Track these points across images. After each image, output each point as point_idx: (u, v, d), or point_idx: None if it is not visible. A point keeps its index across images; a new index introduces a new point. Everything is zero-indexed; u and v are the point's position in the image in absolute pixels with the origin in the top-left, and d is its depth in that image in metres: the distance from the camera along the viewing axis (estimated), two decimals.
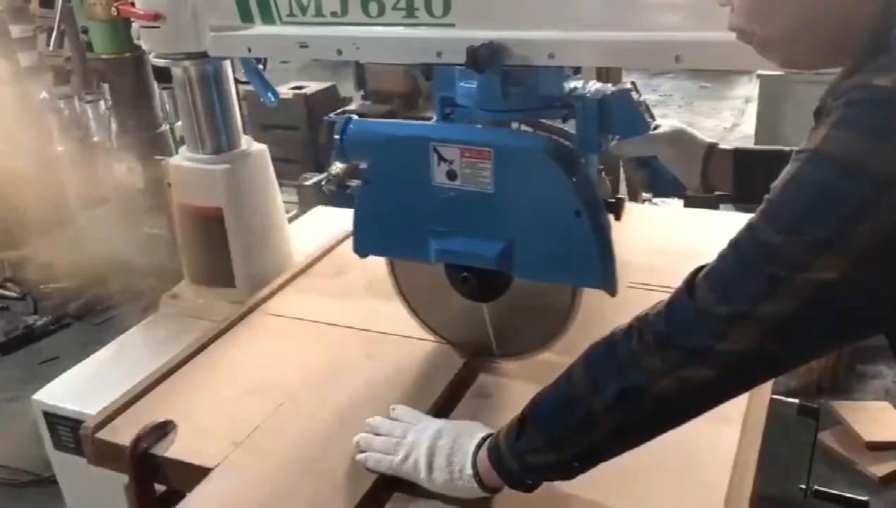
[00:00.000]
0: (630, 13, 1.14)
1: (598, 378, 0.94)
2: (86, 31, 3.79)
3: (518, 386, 1.35)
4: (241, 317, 1.59)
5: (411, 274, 1.42)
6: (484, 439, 1.08)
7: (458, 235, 1.26)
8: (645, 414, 0.93)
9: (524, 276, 1.28)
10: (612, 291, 1.24)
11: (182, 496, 1.25)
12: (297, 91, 5.05)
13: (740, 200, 1.38)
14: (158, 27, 1.47)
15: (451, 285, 1.34)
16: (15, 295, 3.98)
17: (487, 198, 1.21)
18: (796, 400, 1.45)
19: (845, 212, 0.74)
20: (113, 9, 1.49)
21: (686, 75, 7.13)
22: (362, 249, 1.36)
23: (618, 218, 1.29)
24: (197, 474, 1.19)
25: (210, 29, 1.43)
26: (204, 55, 1.49)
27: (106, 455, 1.28)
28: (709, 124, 6.24)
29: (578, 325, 1.50)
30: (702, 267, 0.88)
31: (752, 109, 5.25)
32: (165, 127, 3.84)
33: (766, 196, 0.82)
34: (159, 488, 1.27)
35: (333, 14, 1.30)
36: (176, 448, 1.24)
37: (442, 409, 1.29)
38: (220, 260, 1.77)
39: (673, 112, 6.57)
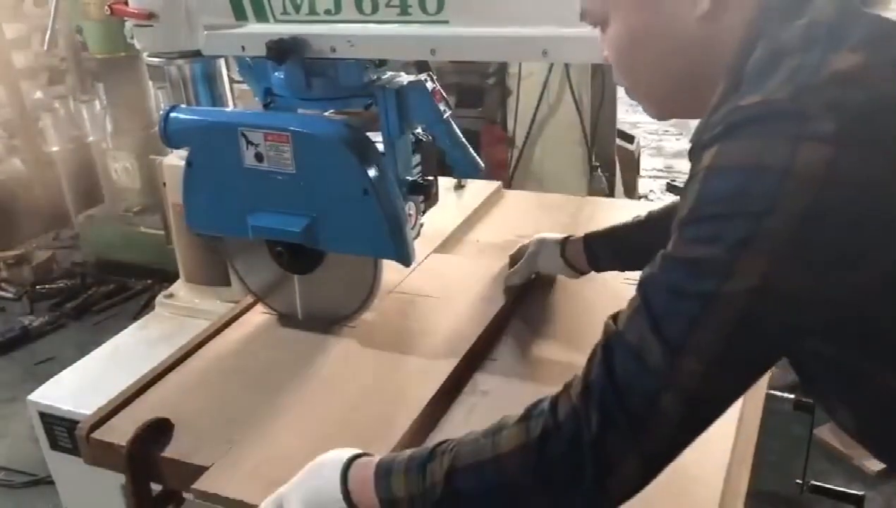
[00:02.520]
0: None
1: (553, 482, 0.83)
2: (80, 31, 3.78)
3: (515, 383, 1.35)
4: (237, 316, 1.59)
5: (239, 247, 1.55)
6: (347, 462, 0.96)
7: (270, 212, 1.39)
8: (623, 490, 0.84)
9: (329, 249, 1.43)
10: (405, 262, 1.38)
11: (178, 495, 1.25)
12: None
13: (600, 271, 1.55)
14: (152, 26, 1.46)
15: (273, 259, 1.48)
16: (11, 295, 3.97)
17: (292, 179, 1.35)
18: (791, 396, 1.45)
19: (754, 209, 0.74)
20: (106, 8, 1.48)
21: None
22: (193, 226, 1.50)
23: (427, 198, 1.48)
24: (193, 473, 1.18)
25: (204, 27, 1.42)
26: (198, 54, 1.48)
27: (102, 455, 1.28)
28: None
29: (574, 319, 1.51)
30: (613, 320, 0.84)
31: None
32: None
33: (673, 225, 0.81)
34: (156, 487, 1.27)
35: (327, 12, 1.30)
36: (172, 448, 1.24)
37: (438, 405, 1.29)
38: (216, 260, 1.77)
39: None
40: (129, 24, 1.50)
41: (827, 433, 2.66)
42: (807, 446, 1.51)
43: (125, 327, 1.85)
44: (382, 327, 1.51)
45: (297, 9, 1.32)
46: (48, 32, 3.58)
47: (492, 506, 0.88)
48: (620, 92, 4.96)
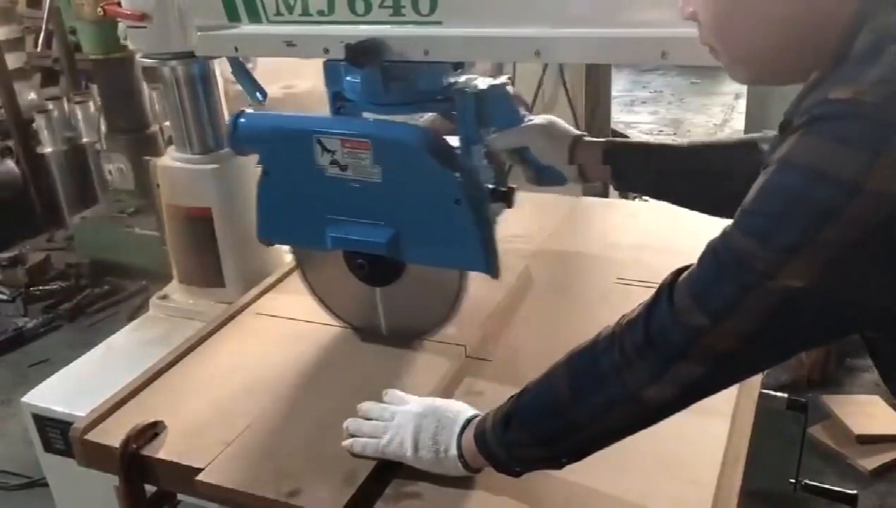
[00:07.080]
0: (616, 9, 1.14)
1: (582, 390, 0.95)
2: (74, 32, 3.78)
3: (510, 385, 1.34)
4: (231, 317, 1.59)
5: (314, 260, 1.47)
6: (468, 420, 1.10)
7: (352, 223, 1.32)
8: (632, 420, 0.94)
9: (414, 261, 1.34)
10: (494, 274, 1.29)
11: (172, 496, 1.25)
12: (287, 90, 5.03)
13: (621, 189, 1.43)
14: (145, 27, 1.46)
15: (350, 270, 1.40)
16: (5, 297, 3.96)
17: (375, 188, 1.27)
18: (785, 395, 1.46)
19: (812, 218, 0.74)
20: (99, 9, 1.48)
21: (676, 72, 7.14)
22: (265, 236, 1.43)
23: (509, 205, 1.36)
24: (187, 474, 1.18)
25: (197, 28, 1.42)
26: (191, 55, 1.48)
27: (96, 456, 1.27)
28: (699, 120, 6.26)
29: (570, 321, 1.51)
30: (683, 269, 0.88)
31: (742, 105, 5.27)
32: (155, 127, 3.82)
33: (740, 206, 0.82)
34: (150, 489, 1.27)
35: (320, 13, 1.30)
36: (166, 449, 1.24)
37: None
38: (210, 261, 1.77)
39: (663, 108, 6.58)
40: (122, 25, 1.50)
41: (821, 432, 2.67)
42: (800, 445, 1.51)
43: (119, 329, 1.84)
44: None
45: (291, 10, 1.32)
46: (42, 33, 3.58)
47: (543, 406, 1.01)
48: (615, 92, 4.96)
